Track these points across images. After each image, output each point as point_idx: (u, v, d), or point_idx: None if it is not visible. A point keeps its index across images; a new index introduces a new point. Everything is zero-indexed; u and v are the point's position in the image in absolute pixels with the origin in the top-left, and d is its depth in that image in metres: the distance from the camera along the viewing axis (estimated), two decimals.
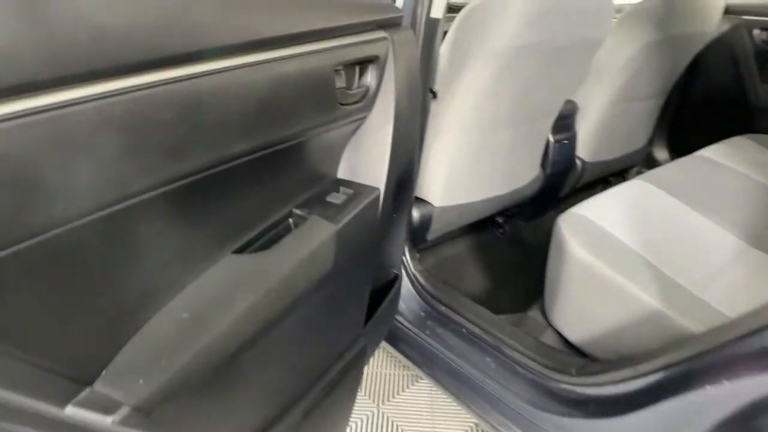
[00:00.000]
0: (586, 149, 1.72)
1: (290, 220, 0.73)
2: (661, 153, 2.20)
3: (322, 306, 0.74)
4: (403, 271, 1.27)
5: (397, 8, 0.90)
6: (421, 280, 1.27)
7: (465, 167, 1.32)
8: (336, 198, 0.77)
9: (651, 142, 2.06)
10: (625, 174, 2.11)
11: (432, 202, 1.34)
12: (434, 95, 1.20)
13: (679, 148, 2.09)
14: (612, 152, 1.82)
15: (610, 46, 1.54)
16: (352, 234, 0.76)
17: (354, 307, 0.88)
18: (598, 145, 1.72)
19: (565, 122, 1.63)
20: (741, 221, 1.18)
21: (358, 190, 0.80)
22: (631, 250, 1.06)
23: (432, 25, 1.07)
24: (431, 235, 1.40)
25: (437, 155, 1.28)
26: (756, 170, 1.42)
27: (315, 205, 0.74)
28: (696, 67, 1.87)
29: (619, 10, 1.63)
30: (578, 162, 1.73)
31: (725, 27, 1.83)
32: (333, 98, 0.71)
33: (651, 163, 2.16)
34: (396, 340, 1.28)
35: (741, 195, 1.31)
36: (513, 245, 1.74)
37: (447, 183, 1.32)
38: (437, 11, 1.07)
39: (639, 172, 2.14)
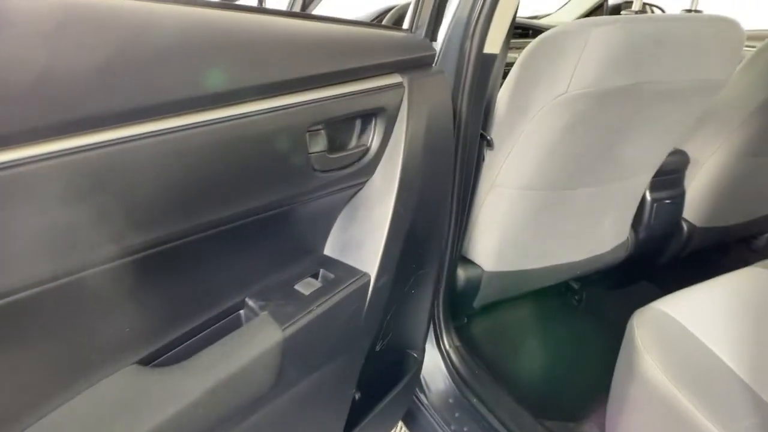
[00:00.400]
0: (696, 211, 1.37)
1: (242, 312, 0.59)
2: None
3: (263, 428, 0.58)
4: (434, 343, 1.08)
5: (426, 45, 0.72)
6: (455, 359, 1.06)
7: (524, 228, 1.09)
8: (307, 287, 0.61)
9: None
10: (751, 242, 1.69)
11: (481, 266, 1.13)
12: (489, 144, 0.99)
13: None
14: (733, 217, 1.44)
15: (739, 83, 1.21)
16: (317, 335, 0.59)
17: (323, 422, 0.70)
18: (713, 206, 1.37)
19: (670, 178, 1.31)
20: None
21: (341, 275, 0.64)
22: (734, 376, 0.77)
23: (486, 61, 0.87)
24: (479, 302, 1.18)
25: (490, 212, 1.06)
26: None
27: (276, 296, 0.59)
28: None
29: (756, 37, 1.28)
30: (685, 226, 1.39)
31: None
32: (305, 165, 0.56)
33: None
34: (415, 423, 1.09)
35: None
36: (588, 319, 1.44)
37: (500, 245, 1.10)
38: (493, 45, 0.86)
39: None
